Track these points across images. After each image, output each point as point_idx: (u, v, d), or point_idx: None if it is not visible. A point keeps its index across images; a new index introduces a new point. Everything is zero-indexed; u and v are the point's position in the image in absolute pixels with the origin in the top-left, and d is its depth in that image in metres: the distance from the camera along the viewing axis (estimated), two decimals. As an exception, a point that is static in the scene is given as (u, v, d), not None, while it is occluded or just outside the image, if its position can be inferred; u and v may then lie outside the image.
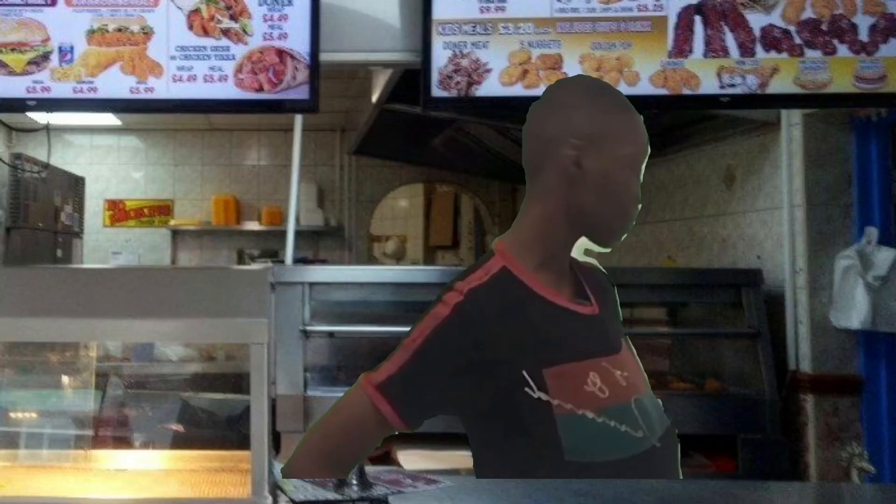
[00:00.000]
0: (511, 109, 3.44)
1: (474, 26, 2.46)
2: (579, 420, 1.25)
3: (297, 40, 2.48)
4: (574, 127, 1.31)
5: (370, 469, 1.36)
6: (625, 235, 1.33)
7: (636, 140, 1.34)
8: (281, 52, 2.48)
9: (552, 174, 1.33)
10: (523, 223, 1.37)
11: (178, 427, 2.09)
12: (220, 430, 2.15)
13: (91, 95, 2.47)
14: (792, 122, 3.08)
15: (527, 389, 1.25)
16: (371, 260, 7.57)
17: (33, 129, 5.11)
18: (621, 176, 1.31)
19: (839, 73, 2.40)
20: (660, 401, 1.37)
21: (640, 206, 1.33)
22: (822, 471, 2.91)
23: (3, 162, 4.26)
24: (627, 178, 1.31)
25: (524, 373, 1.26)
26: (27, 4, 2.48)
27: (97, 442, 1.76)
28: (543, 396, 1.25)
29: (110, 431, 1.94)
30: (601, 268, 1.48)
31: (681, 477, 1.36)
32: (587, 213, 1.32)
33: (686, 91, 2.42)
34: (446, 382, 1.31)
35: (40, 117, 4.30)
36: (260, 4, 2.49)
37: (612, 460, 1.26)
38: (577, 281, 1.39)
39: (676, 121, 3.92)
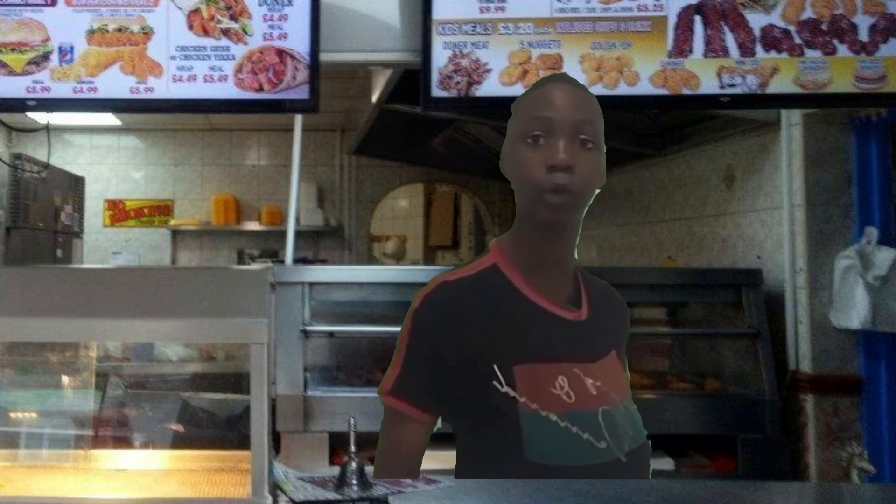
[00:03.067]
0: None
1: (474, 26, 2.47)
2: (543, 420, 1.26)
3: (297, 40, 2.48)
4: (515, 113, 1.38)
5: (370, 469, 1.36)
6: (559, 200, 1.28)
7: (531, 110, 1.33)
8: (281, 52, 2.48)
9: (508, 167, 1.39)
10: (515, 224, 1.41)
11: (178, 427, 2.09)
12: (220, 430, 2.15)
13: (91, 95, 2.47)
14: (792, 122, 3.08)
15: (495, 383, 1.27)
16: (371, 260, 7.57)
17: (33, 129, 5.11)
18: (514, 153, 1.34)
19: (839, 73, 2.40)
20: (639, 418, 1.36)
21: (563, 161, 1.27)
22: (822, 471, 2.91)
23: (3, 162, 4.26)
24: (524, 153, 1.31)
25: (495, 367, 1.28)
26: (27, 4, 2.48)
27: (97, 442, 1.76)
28: (511, 392, 1.27)
29: (110, 431, 1.94)
30: (617, 295, 1.49)
31: None
32: (518, 203, 1.36)
33: (686, 91, 2.42)
34: (435, 369, 1.33)
35: (40, 117, 4.30)
36: (260, 4, 2.49)
37: (571, 465, 1.26)
38: (575, 288, 1.39)
39: (676, 121, 3.92)
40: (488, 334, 1.31)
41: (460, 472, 1.36)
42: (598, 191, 1.36)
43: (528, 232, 1.36)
